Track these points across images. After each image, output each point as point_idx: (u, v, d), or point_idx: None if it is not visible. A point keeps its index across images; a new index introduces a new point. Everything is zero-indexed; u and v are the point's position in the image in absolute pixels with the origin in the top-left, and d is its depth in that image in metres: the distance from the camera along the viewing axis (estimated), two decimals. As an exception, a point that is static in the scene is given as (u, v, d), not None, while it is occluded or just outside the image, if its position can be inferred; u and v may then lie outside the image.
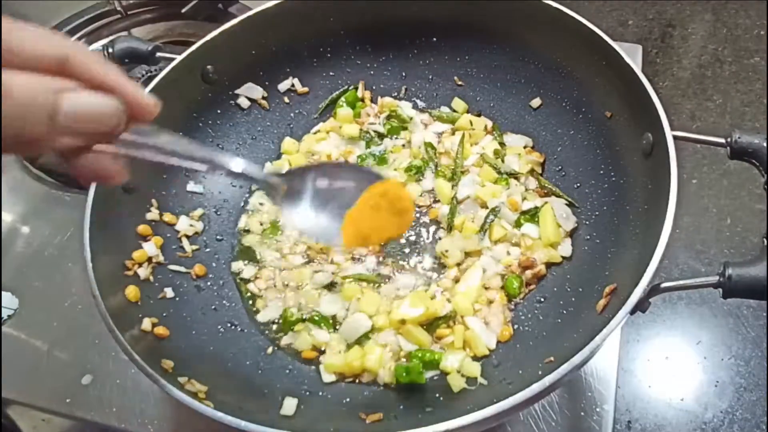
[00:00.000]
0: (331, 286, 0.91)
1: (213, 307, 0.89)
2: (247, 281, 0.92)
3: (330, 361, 0.83)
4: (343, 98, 1.06)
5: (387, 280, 0.91)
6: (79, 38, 1.33)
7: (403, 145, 1.04)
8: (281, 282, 0.92)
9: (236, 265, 0.94)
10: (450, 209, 0.93)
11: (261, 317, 0.89)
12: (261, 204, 0.99)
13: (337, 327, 0.87)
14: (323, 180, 0.70)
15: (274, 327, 0.88)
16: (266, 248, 0.95)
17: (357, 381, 0.83)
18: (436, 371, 0.82)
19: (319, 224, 0.70)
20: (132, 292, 0.81)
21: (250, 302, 0.90)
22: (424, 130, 1.05)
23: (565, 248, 0.90)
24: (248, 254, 0.95)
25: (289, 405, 0.78)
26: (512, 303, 0.87)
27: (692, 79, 1.85)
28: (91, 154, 0.47)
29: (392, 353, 0.84)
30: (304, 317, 0.88)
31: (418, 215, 0.96)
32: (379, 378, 0.82)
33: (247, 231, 0.97)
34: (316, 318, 0.88)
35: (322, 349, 0.86)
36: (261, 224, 0.98)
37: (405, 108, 1.06)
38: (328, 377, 0.83)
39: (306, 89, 1.07)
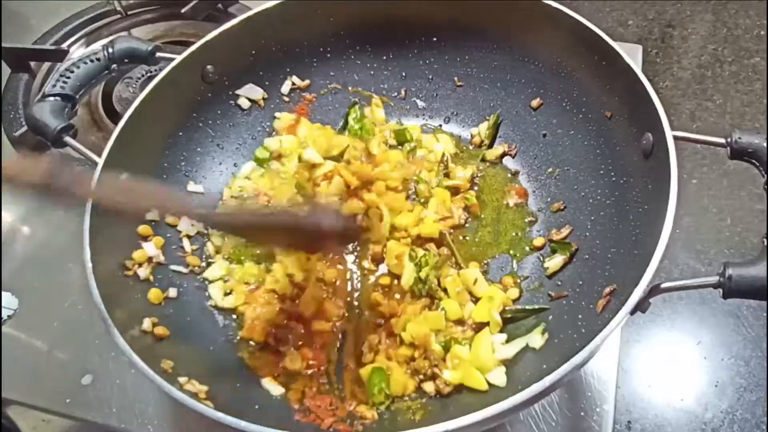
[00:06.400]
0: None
1: (213, 307, 0.89)
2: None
3: None
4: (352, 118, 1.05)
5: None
6: (79, 38, 1.33)
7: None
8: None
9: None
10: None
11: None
12: None
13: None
14: None
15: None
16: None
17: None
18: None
19: None
20: (153, 293, 0.83)
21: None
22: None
23: (498, 376, 0.77)
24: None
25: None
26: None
27: (692, 79, 1.85)
28: None
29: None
30: None
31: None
32: None
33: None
34: None
35: None
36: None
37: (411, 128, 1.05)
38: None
39: (308, 82, 1.06)
